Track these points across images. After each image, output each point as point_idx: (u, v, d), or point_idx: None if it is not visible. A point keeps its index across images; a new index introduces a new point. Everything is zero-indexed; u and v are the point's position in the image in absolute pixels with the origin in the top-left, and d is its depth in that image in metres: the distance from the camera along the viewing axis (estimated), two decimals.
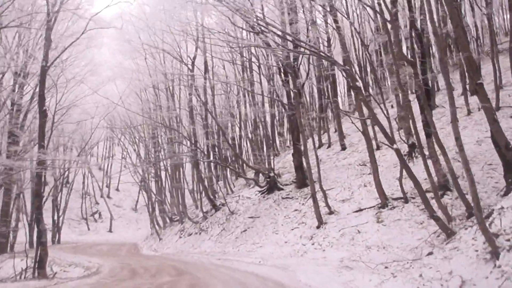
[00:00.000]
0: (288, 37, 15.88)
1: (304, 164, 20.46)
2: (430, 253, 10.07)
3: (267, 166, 26.15)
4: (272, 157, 27.59)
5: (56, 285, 11.48)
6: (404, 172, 13.04)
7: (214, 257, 18.89)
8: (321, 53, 15.08)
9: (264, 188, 25.28)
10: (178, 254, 22.30)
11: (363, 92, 17.97)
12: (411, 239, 12.23)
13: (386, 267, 10.57)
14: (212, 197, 26.34)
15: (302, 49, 15.97)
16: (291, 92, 21.81)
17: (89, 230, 51.08)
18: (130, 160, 45.13)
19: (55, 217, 38.42)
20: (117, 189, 60.20)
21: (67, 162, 32.24)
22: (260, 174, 26.07)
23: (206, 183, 26.68)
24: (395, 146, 13.12)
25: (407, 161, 15.66)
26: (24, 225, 30.31)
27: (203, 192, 26.84)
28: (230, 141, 27.02)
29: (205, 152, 25.17)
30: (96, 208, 55.35)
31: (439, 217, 10.98)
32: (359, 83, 15.23)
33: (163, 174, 35.83)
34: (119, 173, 58.75)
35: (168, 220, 35.49)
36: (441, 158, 12.24)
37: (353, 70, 19.72)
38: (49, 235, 42.28)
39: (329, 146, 26.97)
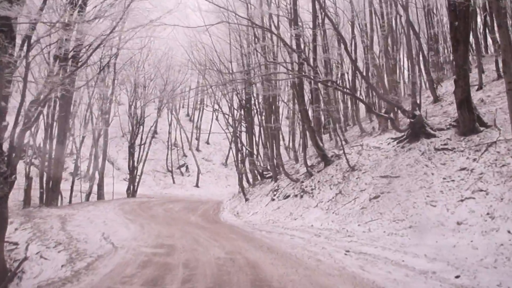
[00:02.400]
0: None
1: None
2: None
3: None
4: (417, 88, 17.37)
5: None
6: None
7: (333, 242, 9.89)
8: None
9: (404, 134, 15.72)
10: (267, 227, 13.67)
11: None
12: None
13: None
14: (321, 144, 17.14)
15: None
16: None
17: (174, 183, 45.11)
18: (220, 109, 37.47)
19: (130, 166, 32.03)
20: (207, 142, 53.55)
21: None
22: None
23: (312, 124, 17.46)
24: None
25: None
26: None
27: (309, 136, 17.70)
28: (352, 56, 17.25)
29: (312, 76, 15.81)
30: (184, 161, 49.24)
31: None
32: None
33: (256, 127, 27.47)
34: (210, 121, 51.98)
35: (258, 177, 27.23)
36: None
37: None
38: (123, 186, 36.78)
39: None
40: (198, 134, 52.78)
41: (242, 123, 29.11)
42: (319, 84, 16.57)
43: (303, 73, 14.85)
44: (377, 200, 13.20)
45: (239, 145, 30.40)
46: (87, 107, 27.91)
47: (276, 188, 19.19)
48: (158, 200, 28.82)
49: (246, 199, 22.70)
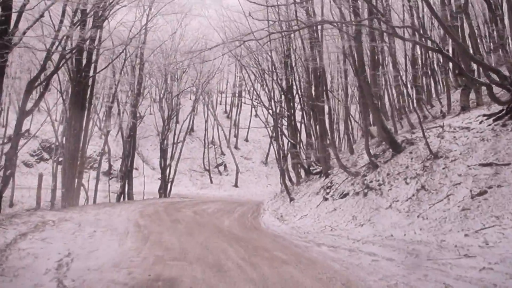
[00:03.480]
0: None
1: None
2: None
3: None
4: None
5: None
6: None
7: (450, 269, 5.82)
8: None
9: (503, 109, 11.48)
10: (326, 238, 9.67)
11: None
12: None
13: None
14: (388, 126, 12.87)
15: None
16: None
17: (211, 183, 41.85)
18: (260, 102, 33.68)
19: (162, 165, 28.82)
20: (246, 140, 50.02)
21: None
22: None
23: (373, 98, 13.14)
24: None
25: None
26: None
27: (372, 117, 13.58)
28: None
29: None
30: (222, 160, 45.95)
31: None
32: None
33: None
34: (249, 118, 48.42)
35: (302, 174, 23.23)
36: None
37: None
38: (155, 186, 33.67)
39: None
40: (236, 132, 49.35)
41: (284, 117, 25.22)
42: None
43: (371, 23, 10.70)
44: (485, 198, 8.96)
45: (280, 139, 26.69)
46: (111, 98, 24.71)
47: (329, 184, 15.12)
48: (192, 200, 25.39)
49: (291, 199, 18.75)
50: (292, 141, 22.08)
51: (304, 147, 23.03)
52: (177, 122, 35.07)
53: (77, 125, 18.80)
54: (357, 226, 10.47)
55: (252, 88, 33.32)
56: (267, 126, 33.64)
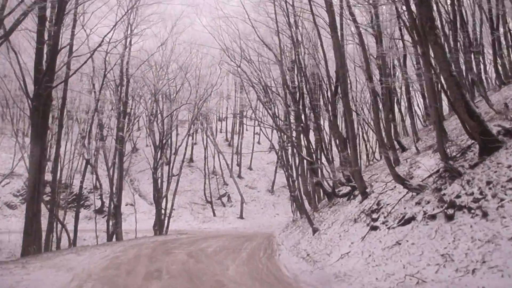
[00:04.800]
0: None
1: None
2: None
3: None
4: None
5: None
6: None
7: None
8: None
9: None
10: None
11: None
12: None
13: None
14: (476, 109, 8.23)
15: None
16: None
17: (214, 216, 36.92)
18: (263, 127, 29.32)
19: (156, 197, 24.11)
20: (250, 168, 45.29)
21: None
22: None
23: (450, 67, 8.47)
24: None
25: None
26: None
27: (450, 98, 9.01)
28: None
29: None
30: (225, 190, 41.11)
31: None
32: None
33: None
34: (251, 145, 43.94)
35: (322, 195, 18.61)
36: None
37: None
38: (152, 222, 28.88)
39: None
40: (239, 160, 44.72)
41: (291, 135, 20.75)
42: None
43: None
44: None
45: (291, 159, 22.18)
46: (90, 120, 20.35)
47: (375, 207, 10.43)
48: (190, 237, 20.59)
49: (315, 230, 13.99)
50: (308, 159, 17.45)
51: (324, 164, 18.45)
52: (175, 153, 30.75)
53: (36, 150, 14.29)
54: (463, 273, 5.77)
55: (255, 108, 29.18)
56: (274, 148, 29.33)
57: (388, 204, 9.89)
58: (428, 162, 9.79)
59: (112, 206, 21.98)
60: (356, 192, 13.12)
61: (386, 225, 9.12)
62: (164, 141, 23.41)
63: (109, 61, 19.63)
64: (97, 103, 19.34)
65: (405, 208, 8.94)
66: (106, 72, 19.08)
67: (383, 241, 8.60)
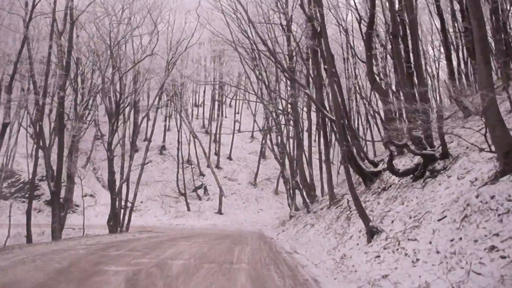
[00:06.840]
0: None
1: None
2: None
3: None
4: None
5: None
6: None
7: None
8: None
9: None
10: None
11: None
12: None
13: None
14: None
15: None
16: None
17: (189, 210, 30.79)
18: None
19: (110, 183, 17.75)
20: (230, 158, 39.22)
21: None
22: None
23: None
24: None
25: None
26: None
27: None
28: None
29: None
30: (201, 181, 34.94)
31: None
32: None
33: None
34: (231, 132, 37.80)
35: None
36: None
37: None
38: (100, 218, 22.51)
39: None
40: (217, 149, 38.55)
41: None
42: None
43: None
44: None
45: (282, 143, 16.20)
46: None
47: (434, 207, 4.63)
48: (154, 237, 14.47)
49: (372, 231, 8.11)
50: (331, 116, 11.57)
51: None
52: (146, 139, 24.25)
53: None
54: None
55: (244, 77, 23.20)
56: (266, 129, 23.53)
57: None
58: None
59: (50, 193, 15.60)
60: (439, 165, 7.27)
61: None
62: (121, 106, 17.07)
63: None
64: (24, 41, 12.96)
65: None
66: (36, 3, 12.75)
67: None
